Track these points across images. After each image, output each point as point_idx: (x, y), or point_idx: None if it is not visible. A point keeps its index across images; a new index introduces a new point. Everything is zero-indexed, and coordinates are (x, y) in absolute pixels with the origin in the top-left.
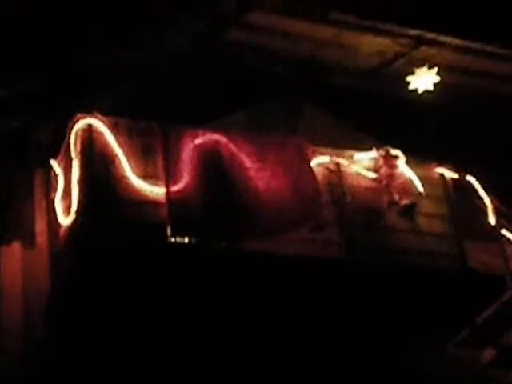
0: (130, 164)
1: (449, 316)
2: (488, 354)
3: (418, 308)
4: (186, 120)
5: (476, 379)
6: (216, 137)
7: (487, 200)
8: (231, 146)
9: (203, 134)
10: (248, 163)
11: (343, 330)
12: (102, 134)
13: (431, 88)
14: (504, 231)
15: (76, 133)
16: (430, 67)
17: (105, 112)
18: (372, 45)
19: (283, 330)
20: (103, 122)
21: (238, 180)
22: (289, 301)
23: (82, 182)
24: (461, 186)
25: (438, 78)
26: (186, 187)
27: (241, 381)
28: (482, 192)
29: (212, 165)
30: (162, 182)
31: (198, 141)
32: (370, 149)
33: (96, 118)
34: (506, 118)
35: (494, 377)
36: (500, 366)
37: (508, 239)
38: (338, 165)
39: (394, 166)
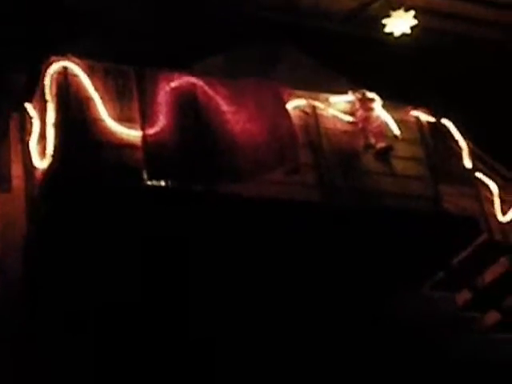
0: (105, 107)
1: (424, 258)
2: (463, 296)
3: (393, 250)
4: (162, 64)
5: (451, 321)
6: (192, 80)
7: (463, 143)
8: (207, 89)
9: (179, 77)
10: (224, 106)
11: (318, 273)
12: (77, 76)
13: (408, 31)
14: (479, 174)
15: (51, 75)
16: (406, 10)
17: (81, 56)
18: None
19: (259, 272)
20: (78, 64)
21: (214, 123)
22: (264, 243)
23: (58, 125)
24: (437, 129)
25: (415, 21)
26: (161, 130)
27: (219, 319)
28: (457, 135)
29: (188, 108)
30: (137, 125)
31: (173, 84)
32: (346, 92)
33: (71, 60)
34: (483, 62)
35: (468, 319)
36: (475, 308)
37: (483, 182)
38: (314, 108)
39: (370, 109)
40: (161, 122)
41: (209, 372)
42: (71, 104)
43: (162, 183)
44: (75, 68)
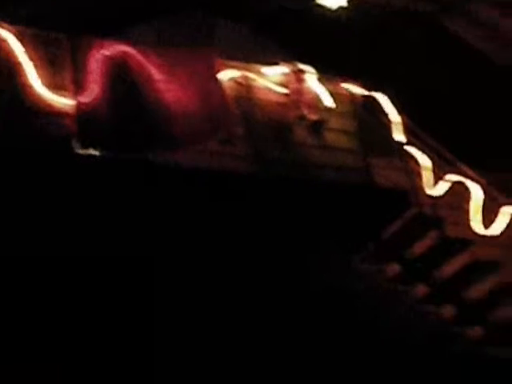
0: (37, 74)
1: (354, 231)
2: (392, 268)
3: (324, 222)
4: (95, 31)
5: (380, 293)
6: (125, 48)
7: (394, 117)
8: (140, 57)
9: (112, 46)
10: (157, 75)
11: (251, 244)
12: (5, 41)
13: (344, 4)
14: (410, 148)
15: None
16: None
17: (12, 22)
18: None
19: (189, 239)
20: (8, 30)
21: (147, 92)
22: (197, 212)
23: None
24: (369, 103)
25: None
26: (94, 99)
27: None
28: (389, 109)
29: (121, 76)
30: (69, 93)
31: (106, 52)
32: (280, 63)
33: (1, 26)
34: (417, 36)
35: (398, 291)
36: (404, 280)
37: (414, 156)
38: (247, 79)
39: (304, 81)
40: (93, 91)
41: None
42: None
43: (93, 152)
44: (4, 33)
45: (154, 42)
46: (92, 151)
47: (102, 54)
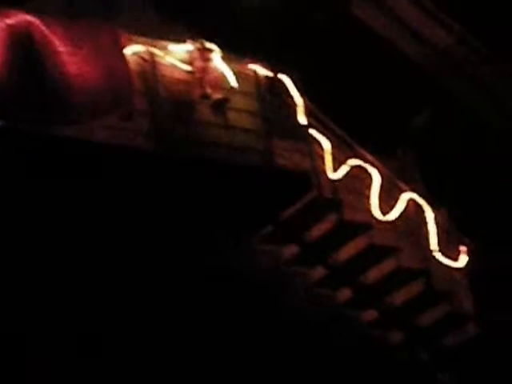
0: None
1: (254, 211)
2: (290, 249)
3: (224, 202)
4: None
5: (277, 274)
6: (28, 18)
7: (298, 99)
8: (44, 28)
9: (15, 15)
10: (61, 47)
11: (148, 221)
12: None
13: None
14: (312, 131)
15: None
16: None
17: None
18: None
19: (85, 216)
20: None
21: (50, 63)
22: (95, 187)
23: None
24: (273, 84)
25: None
26: None
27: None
28: (293, 91)
29: (23, 47)
30: None
31: (9, 21)
32: (185, 41)
33: None
34: (323, 20)
35: (295, 272)
36: (302, 261)
37: (316, 139)
38: (152, 55)
39: (209, 60)
40: None
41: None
42: None
43: None
44: None
45: (58, 13)
46: None
47: (4, 23)
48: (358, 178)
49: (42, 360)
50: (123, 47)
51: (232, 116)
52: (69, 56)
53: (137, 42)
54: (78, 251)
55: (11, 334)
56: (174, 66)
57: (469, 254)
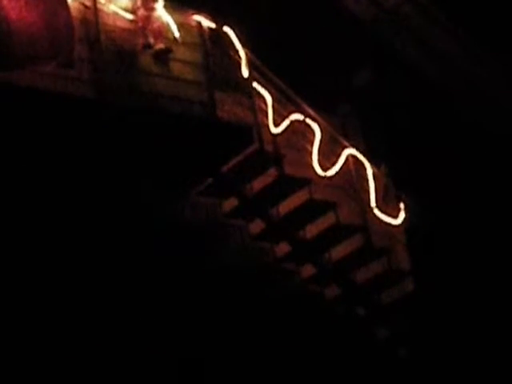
0: None
1: (194, 164)
2: (230, 203)
3: (165, 154)
4: None
5: (216, 227)
6: None
7: (242, 52)
8: None
9: None
10: None
11: (87, 171)
12: None
13: None
14: (256, 85)
15: None
16: None
17: None
18: None
19: (20, 166)
20: None
21: None
22: (35, 136)
23: None
24: (217, 36)
25: None
26: None
27: None
28: (237, 44)
29: None
30: None
31: None
32: None
33: None
34: None
35: (233, 226)
36: (242, 215)
37: (259, 93)
38: (95, 2)
39: (152, 9)
40: None
41: None
42: None
43: None
44: None
45: None
46: None
47: None
48: (300, 133)
49: None
50: None
51: (175, 67)
52: (8, 1)
53: None
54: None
55: None
56: (117, 14)
57: (407, 211)
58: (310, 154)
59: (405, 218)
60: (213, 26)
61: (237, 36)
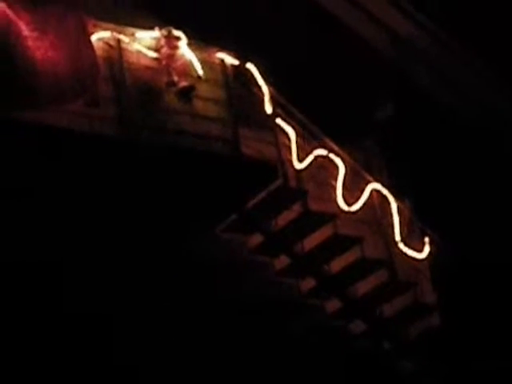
0: None
1: (219, 200)
2: (255, 239)
3: (189, 191)
4: None
5: (242, 264)
6: None
7: (265, 89)
8: (9, 12)
9: None
10: (26, 32)
11: (111, 208)
12: None
13: None
14: (279, 120)
15: None
16: None
17: None
18: None
19: (49, 203)
20: None
21: (15, 48)
22: (60, 175)
23: None
24: (240, 73)
25: None
26: None
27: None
28: (260, 81)
29: None
30: None
31: None
32: (152, 28)
33: None
34: (289, 10)
35: (259, 262)
36: (266, 251)
37: (282, 129)
38: (118, 41)
39: (176, 47)
40: None
41: None
42: None
43: None
44: None
45: None
46: None
47: None
48: (324, 168)
49: None
50: (89, 33)
51: (198, 104)
52: (34, 41)
53: (103, 28)
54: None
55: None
56: (141, 53)
57: (432, 245)
58: (334, 188)
59: (430, 252)
60: (236, 62)
61: (259, 72)
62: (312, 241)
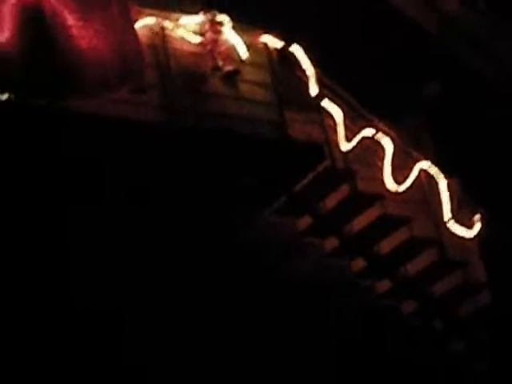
0: None
1: (267, 183)
2: (304, 221)
3: (237, 175)
4: None
5: (291, 246)
6: None
7: (310, 71)
8: (54, 2)
9: None
10: (71, 21)
11: (161, 195)
12: None
13: None
14: (325, 102)
15: None
16: None
17: None
18: None
19: (99, 192)
20: None
21: (60, 37)
22: (107, 161)
23: None
24: (285, 56)
25: None
26: (5, 43)
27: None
28: (305, 63)
29: (34, 21)
30: None
31: None
32: (196, 12)
33: None
34: None
35: (309, 243)
36: (316, 233)
37: (328, 110)
38: (162, 28)
39: (220, 32)
40: (5, 35)
41: None
42: None
43: (3, 96)
44: None
45: None
46: (3, 96)
47: None
48: (371, 148)
49: None
50: (133, 20)
51: (244, 88)
52: (79, 30)
53: (147, 15)
54: (92, 228)
55: None
56: (185, 39)
57: (481, 222)
58: (382, 168)
59: (479, 230)
60: (280, 45)
61: (305, 54)
62: (361, 221)
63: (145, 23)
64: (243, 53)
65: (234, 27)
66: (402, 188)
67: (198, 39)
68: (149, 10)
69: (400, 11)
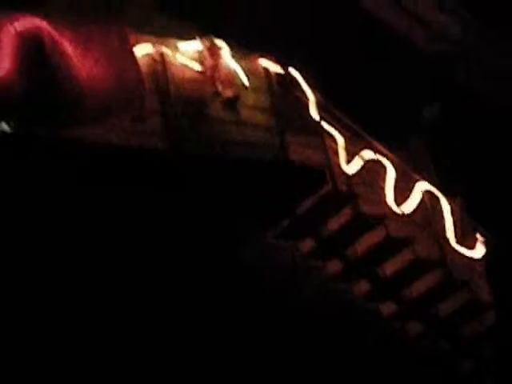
0: None
1: (269, 207)
2: (307, 244)
3: (238, 199)
4: (7, 3)
5: (294, 269)
6: (38, 23)
7: (310, 94)
8: (53, 32)
9: (25, 20)
10: (70, 50)
11: (164, 220)
12: None
13: None
14: (325, 125)
15: None
16: None
17: None
18: None
19: (98, 217)
20: None
21: (60, 67)
22: (110, 190)
23: None
24: (285, 80)
25: None
26: (6, 74)
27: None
28: (305, 86)
29: (34, 51)
30: None
31: (19, 27)
32: (194, 38)
33: None
34: (331, 13)
35: (312, 266)
36: (319, 255)
37: (329, 133)
38: (162, 54)
39: (219, 57)
40: (5, 65)
41: None
42: None
43: (5, 127)
44: None
45: (66, 16)
46: (2, 126)
47: (14, 29)
48: (372, 170)
49: None
50: (132, 48)
51: (244, 113)
52: (79, 59)
53: (146, 42)
54: (97, 251)
55: None
56: (185, 65)
57: (484, 242)
58: (383, 190)
59: (483, 250)
60: (279, 69)
61: (304, 78)
62: (364, 244)
63: (144, 50)
64: (243, 78)
65: (232, 53)
66: (405, 209)
67: (197, 65)
68: (147, 37)
69: (400, 35)
